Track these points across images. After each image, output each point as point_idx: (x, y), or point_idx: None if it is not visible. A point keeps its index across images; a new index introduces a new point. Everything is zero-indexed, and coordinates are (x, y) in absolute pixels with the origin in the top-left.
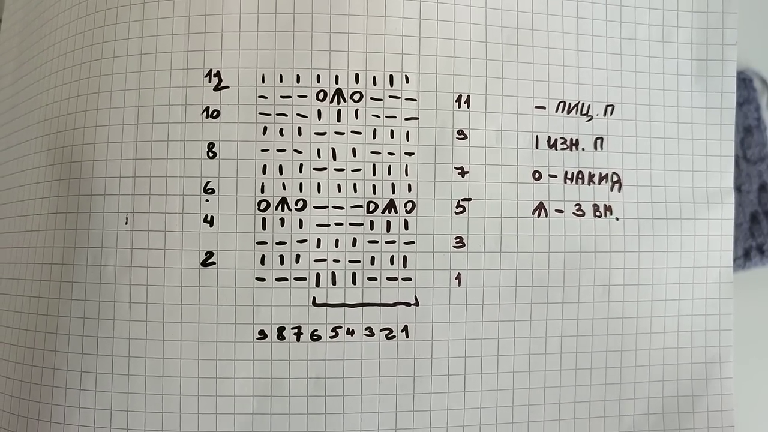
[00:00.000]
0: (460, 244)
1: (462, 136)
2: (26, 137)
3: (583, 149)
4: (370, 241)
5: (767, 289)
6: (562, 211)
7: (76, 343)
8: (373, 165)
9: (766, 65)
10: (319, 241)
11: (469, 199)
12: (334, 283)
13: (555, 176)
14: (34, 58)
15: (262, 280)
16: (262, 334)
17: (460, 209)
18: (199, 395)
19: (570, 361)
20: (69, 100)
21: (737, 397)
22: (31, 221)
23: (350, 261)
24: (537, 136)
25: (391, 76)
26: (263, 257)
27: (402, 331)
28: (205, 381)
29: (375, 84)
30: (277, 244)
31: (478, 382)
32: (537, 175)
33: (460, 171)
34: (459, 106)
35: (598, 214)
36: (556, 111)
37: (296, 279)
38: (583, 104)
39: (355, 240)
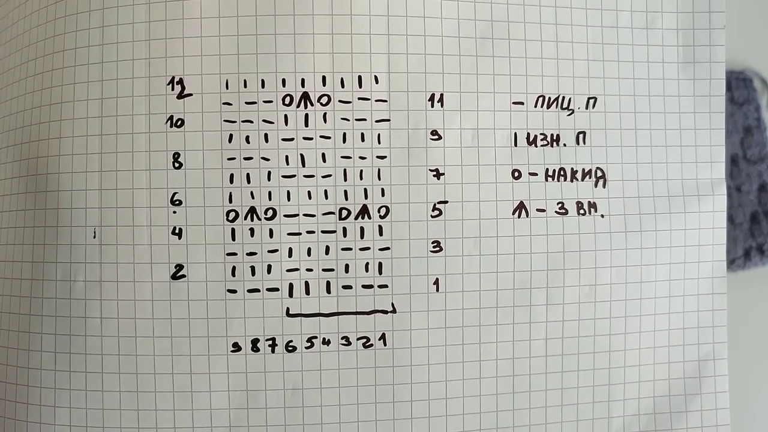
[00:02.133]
0: (438, 249)
1: (436, 137)
2: None
3: (564, 145)
4: (343, 249)
5: (767, 288)
6: (543, 210)
7: (48, 359)
8: (344, 170)
9: (766, 65)
10: (290, 250)
11: (445, 202)
12: (307, 292)
13: (535, 174)
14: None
15: (234, 292)
16: (236, 347)
17: (437, 212)
18: (175, 410)
19: (556, 364)
20: (33, 110)
21: (737, 397)
22: (0, 235)
23: (324, 269)
24: (515, 133)
25: (360, 77)
26: (234, 268)
27: (380, 339)
28: (180, 395)
29: (343, 86)
30: (248, 254)
31: (460, 388)
32: (516, 174)
33: (435, 173)
34: (432, 106)
35: (582, 211)
36: (535, 106)
37: (269, 290)
38: (563, 98)
39: (328, 248)
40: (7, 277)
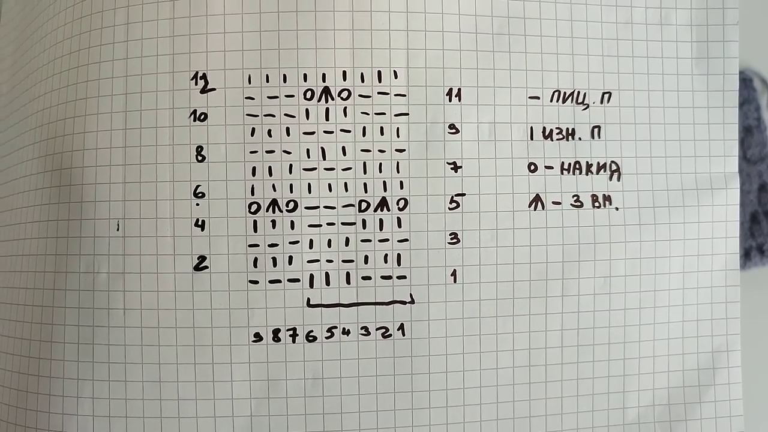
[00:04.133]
0: (455, 240)
1: (454, 131)
2: (22, 144)
3: (579, 138)
4: (363, 240)
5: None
6: (559, 203)
7: (71, 350)
8: (364, 163)
9: (766, 65)
10: (311, 241)
11: (462, 195)
12: (328, 283)
13: (551, 167)
14: (27, 65)
15: (256, 282)
16: (258, 337)
17: (454, 205)
18: (197, 399)
19: (571, 355)
20: (59, 106)
21: (745, 392)
22: (25, 229)
23: (343, 261)
24: (531, 127)
25: (380, 72)
26: (256, 260)
27: (398, 330)
28: (202, 385)
29: (363, 81)
30: (269, 246)
31: (477, 378)
32: (532, 167)
33: (452, 166)
34: (450, 100)
35: (597, 204)
36: (551, 100)
37: (290, 281)
38: (578, 92)
39: (347, 239)
40: (31, 270)
